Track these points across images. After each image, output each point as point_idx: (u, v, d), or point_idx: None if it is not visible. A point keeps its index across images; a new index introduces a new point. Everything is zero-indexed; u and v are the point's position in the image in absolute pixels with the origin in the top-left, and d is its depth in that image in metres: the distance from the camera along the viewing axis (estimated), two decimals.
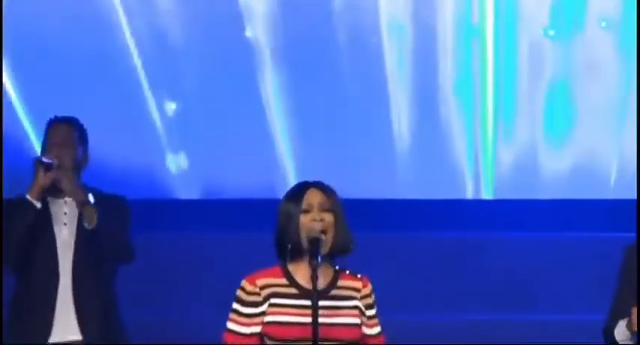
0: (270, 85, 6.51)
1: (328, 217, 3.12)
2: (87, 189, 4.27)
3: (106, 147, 5.68)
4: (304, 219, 3.12)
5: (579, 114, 6.56)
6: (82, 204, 4.17)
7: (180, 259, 5.97)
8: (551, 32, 6.55)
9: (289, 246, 3.11)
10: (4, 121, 5.91)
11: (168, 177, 6.54)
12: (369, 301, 3.21)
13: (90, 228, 4.16)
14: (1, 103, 7.48)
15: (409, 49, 6.60)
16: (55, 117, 4.35)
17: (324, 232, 3.10)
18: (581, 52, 6.55)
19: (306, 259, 3.09)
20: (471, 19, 6.61)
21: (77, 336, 4.23)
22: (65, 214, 4.26)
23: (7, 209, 4.17)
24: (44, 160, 4.14)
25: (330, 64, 6.60)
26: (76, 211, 4.23)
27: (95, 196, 4.23)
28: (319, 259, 3.04)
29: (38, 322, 4.22)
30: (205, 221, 6.22)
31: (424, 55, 6.63)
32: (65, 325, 4.22)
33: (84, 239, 4.22)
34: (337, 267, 3.19)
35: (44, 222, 4.22)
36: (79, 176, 4.29)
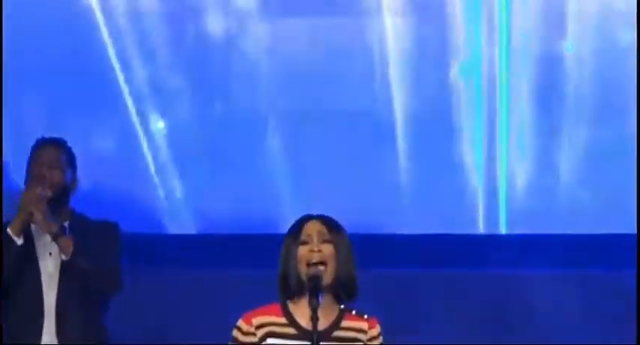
0: (272, 117, 6.40)
1: (328, 249, 2.93)
2: (74, 215, 4.13)
3: (98, 178, 5.59)
4: (303, 250, 2.93)
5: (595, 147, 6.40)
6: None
7: (174, 297, 5.83)
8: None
9: (289, 282, 2.91)
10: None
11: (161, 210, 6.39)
12: (376, 343, 3.00)
13: (66, 259, 3.97)
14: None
15: (415, 80, 6.49)
16: (42, 138, 4.17)
17: (323, 263, 2.89)
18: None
19: (307, 296, 2.88)
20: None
21: None
22: (51, 243, 4.06)
23: None
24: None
25: (333, 95, 6.48)
26: None
27: (82, 223, 4.08)
28: (320, 299, 2.84)
29: None
30: (201, 257, 6.07)
31: (433, 89, 6.51)
32: None
33: (68, 271, 4.04)
34: (342, 306, 2.97)
35: (29, 253, 4.04)
36: (68, 200, 4.12)
